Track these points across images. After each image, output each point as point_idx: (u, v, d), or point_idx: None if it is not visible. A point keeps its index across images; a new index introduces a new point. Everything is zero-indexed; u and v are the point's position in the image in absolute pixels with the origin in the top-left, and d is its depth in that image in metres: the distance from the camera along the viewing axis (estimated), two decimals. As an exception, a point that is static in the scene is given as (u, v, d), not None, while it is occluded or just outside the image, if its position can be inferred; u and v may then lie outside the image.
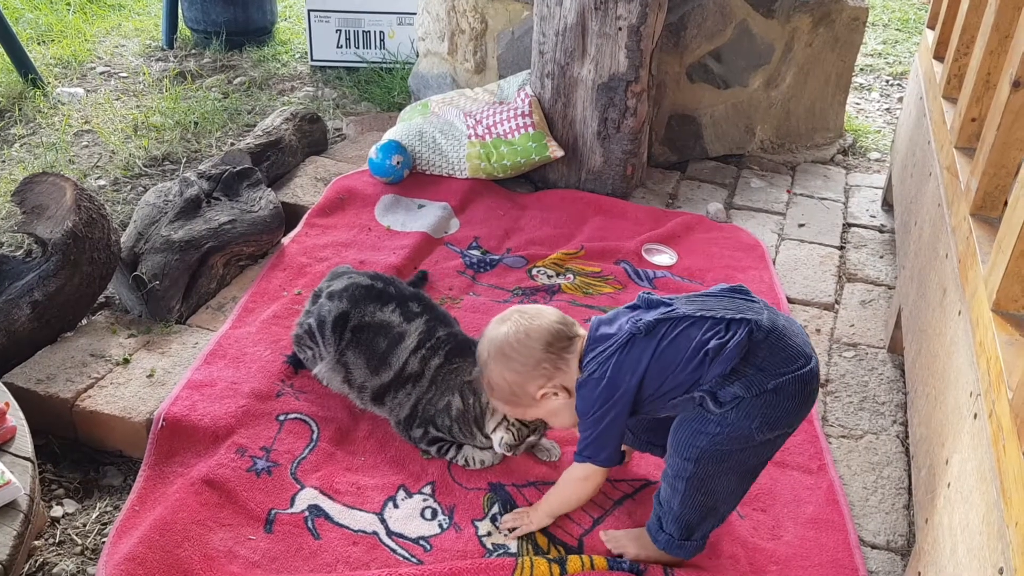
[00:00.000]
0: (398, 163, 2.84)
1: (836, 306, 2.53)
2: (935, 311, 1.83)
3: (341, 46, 3.98)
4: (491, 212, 2.81)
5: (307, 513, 1.73)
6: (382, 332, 1.93)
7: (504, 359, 1.54)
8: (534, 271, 2.55)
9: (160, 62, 4.07)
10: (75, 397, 1.90)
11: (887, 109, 4.00)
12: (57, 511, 1.76)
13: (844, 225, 2.96)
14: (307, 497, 1.76)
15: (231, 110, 3.53)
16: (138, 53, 4.16)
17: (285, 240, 2.57)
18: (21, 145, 3.22)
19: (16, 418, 1.72)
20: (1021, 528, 1.08)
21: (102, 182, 3.00)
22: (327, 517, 1.72)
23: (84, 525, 1.74)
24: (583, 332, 1.58)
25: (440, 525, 1.73)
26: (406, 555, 1.66)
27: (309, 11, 3.93)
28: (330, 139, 3.31)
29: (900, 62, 4.51)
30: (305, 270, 2.44)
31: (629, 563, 1.61)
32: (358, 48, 3.99)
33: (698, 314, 1.48)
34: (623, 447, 1.72)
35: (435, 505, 1.77)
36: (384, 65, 3.96)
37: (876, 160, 3.49)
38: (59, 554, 1.67)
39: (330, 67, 4.01)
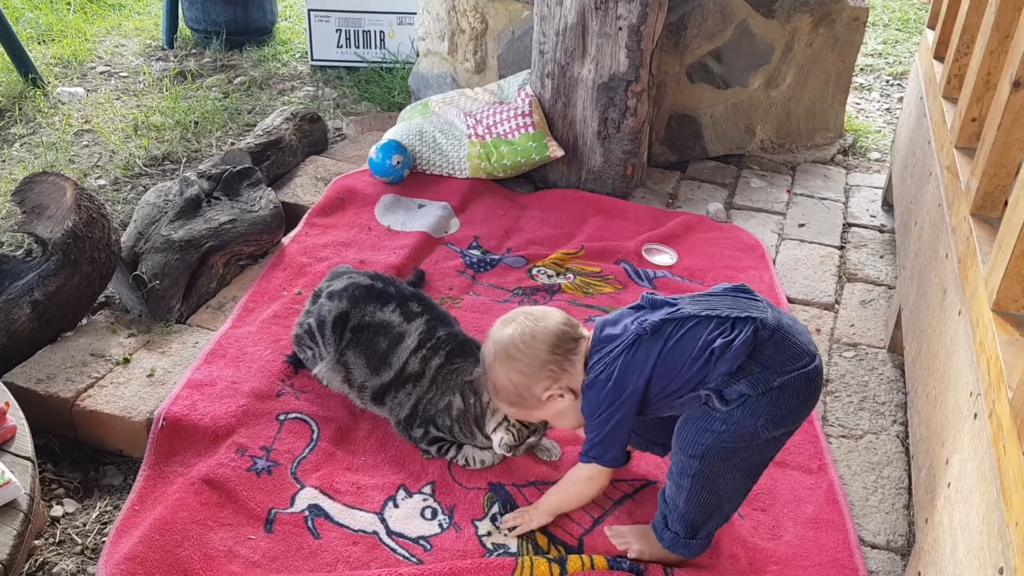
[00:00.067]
0: (398, 163, 2.84)
1: (836, 306, 2.53)
2: (935, 311, 1.83)
3: (341, 46, 3.98)
4: (491, 212, 2.81)
5: (307, 513, 1.73)
6: (382, 332, 1.93)
7: (510, 361, 1.54)
8: (534, 271, 2.55)
9: (160, 62, 4.07)
10: (75, 397, 1.90)
11: (887, 109, 4.00)
12: (57, 511, 1.76)
13: (844, 225, 2.96)
14: (307, 497, 1.76)
15: (231, 110, 3.53)
16: (138, 53, 4.16)
17: (285, 240, 2.57)
18: (21, 145, 3.22)
19: (16, 418, 1.72)
20: (1021, 528, 1.08)
21: (102, 182, 3.00)
22: (327, 517, 1.73)
23: (84, 525, 1.74)
24: (587, 333, 1.58)
25: (440, 525, 1.73)
26: (406, 555, 1.66)
27: (309, 11, 3.93)
28: (330, 139, 3.31)
29: (900, 62, 4.51)
30: (305, 270, 2.44)
31: (629, 563, 1.61)
32: (358, 48, 3.99)
33: (703, 313, 1.48)
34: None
35: (435, 505, 1.77)
36: (384, 65, 3.96)
37: (876, 160, 3.49)
38: (59, 553, 1.67)
39: (330, 67, 4.01)
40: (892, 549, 1.76)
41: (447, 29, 3.34)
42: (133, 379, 1.97)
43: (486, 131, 2.89)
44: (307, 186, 2.89)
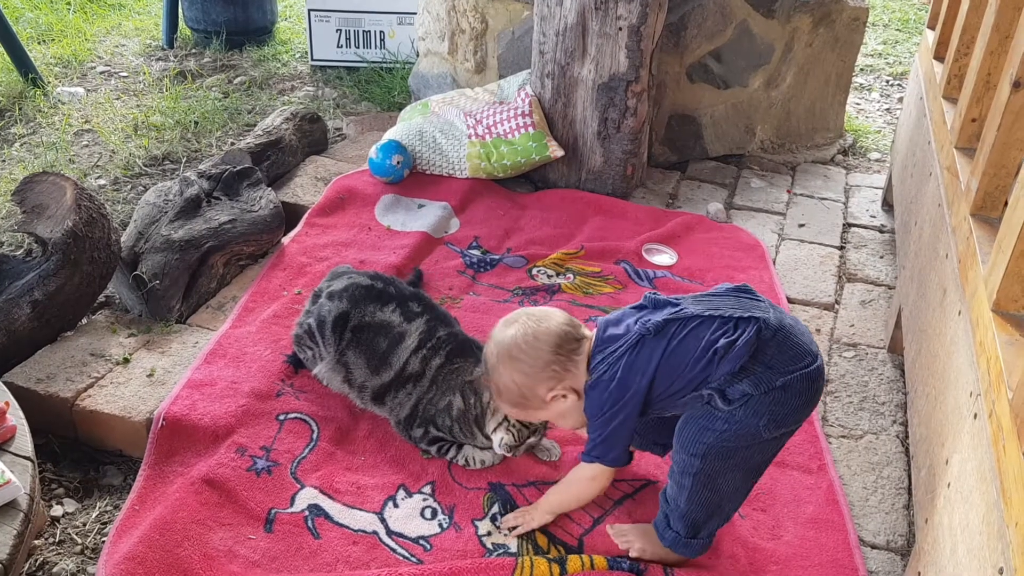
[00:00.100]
0: (398, 163, 2.84)
1: (836, 306, 2.53)
2: (935, 311, 1.83)
3: (341, 46, 3.98)
4: (491, 212, 2.81)
5: (307, 512, 1.73)
6: (382, 332, 1.93)
7: (513, 362, 1.54)
8: (534, 271, 2.55)
9: (160, 62, 4.07)
10: (75, 396, 1.90)
11: (887, 109, 4.00)
12: (57, 510, 1.76)
13: (844, 225, 2.96)
14: (307, 496, 1.76)
15: (231, 110, 3.53)
16: (138, 53, 4.16)
17: (285, 240, 2.57)
18: (21, 144, 3.22)
19: (16, 417, 1.72)
20: (1021, 528, 1.08)
21: (102, 181, 3.00)
22: (327, 516, 1.73)
23: (84, 524, 1.74)
24: (589, 333, 1.58)
25: (440, 525, 1.73)
26: (406, 555, 1.66)
27: (309, 11, 3.93)
28: (330, 139, 3.31)
29: (900, 62, 4.51)
30: (305, 270, 2.44)
31: (629, 563, 1.61)
32: (358, 48, 3.99)
33: (706, 313, 1.48)
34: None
35: (435, 505, 1.77)
36: (384, 65, 3.96)
37: (876, 160, 3.49)
38: (59, 553, 1.67)
39: (330, 67, 4.01)
40: (892, 549, 1.76)
41: (447, 29, 3.34)
42: (133, 379, 1.97)
43: (486, 131, 2.89)
44: (307, 186, 2.89)
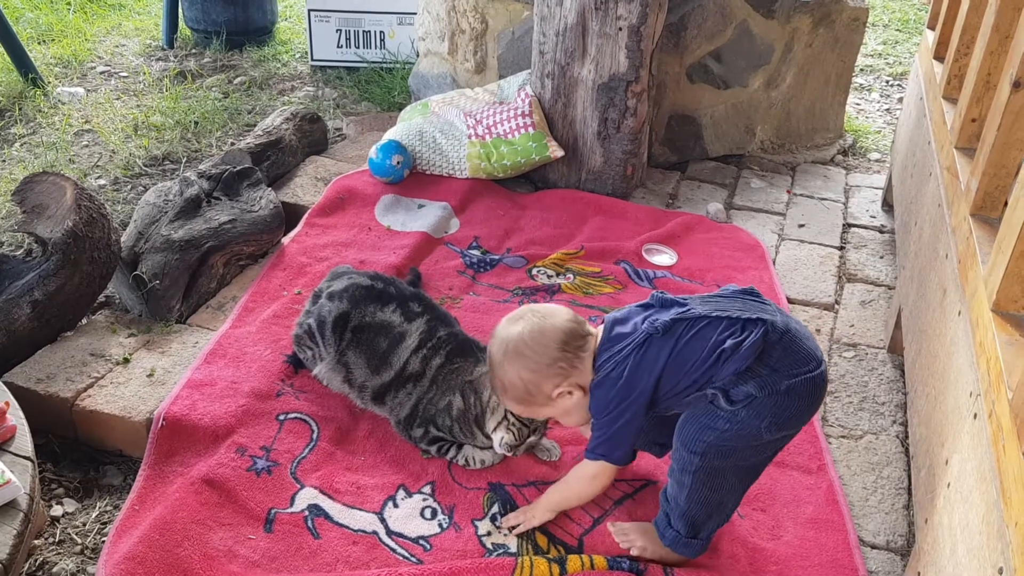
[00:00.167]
0: (398, 163, 2.84)
1: (836, 306, 2.53)
2: (935, 311, 1.83)
3: (341, 46, 3.98)
4: (491, 212, 2.81)
5: (307, 512, 1.73)
6: (383, 332, 1.93)
7: (520, 359, 1.53)
8: (534, 271, 2.55)
9: (160, 62, 4.07)
10: (75, 396, 1.90)
11: (887, 109, 4.00)
12: (57, 510, 1.76)
13: (844, 225, 2.96)
14: (307, 496, 1.76)
15: (231, 110, 3.53)
16: (138, 53, 4.16)
17: (285, 240, 2.57)
18: (21, 144, 3.22)
19: (16, 417, 1.72)
20: (1021, 528, 1.08)
21: (102, 181, 3.00)
22: (327, 516, 1.72)
23: (84, 524, 1.74)
24: (594, 331, 1.58)
25: (440, 525, 1.73)
26: (406, 555, 1.66)
27: (309, 11, 3.93)
28: (330, 139, 3.31)
29: (900, 62, 4.51)
30: (305, 270, 2.44)
31: (629, 563, 1.61)
32: (358, 48, 3.99)
33: (714, 314, 1.49)
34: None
35: (435, 505, 1.77)
36: (384, 65, 3.96)
37: (876, 160, 3.49)
38: (59, 553, 1.67)
39: (330, 67, 4.01)
40: (892, 549, 1.76)
41: (447, 29, 3.35)
42: (133, 379, 1.97)
43: (486, 131, 2.89)
44: (307, 186, 2.89)
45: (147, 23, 4.54)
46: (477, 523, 1.73)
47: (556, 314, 1.56)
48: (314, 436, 1.90)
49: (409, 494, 1.80)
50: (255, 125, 3.21)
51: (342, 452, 1.89)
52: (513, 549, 1.67)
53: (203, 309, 2.28)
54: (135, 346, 2.09)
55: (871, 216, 3.03)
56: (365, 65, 3.97)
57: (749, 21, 3.14)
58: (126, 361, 2.03)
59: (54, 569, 1.63)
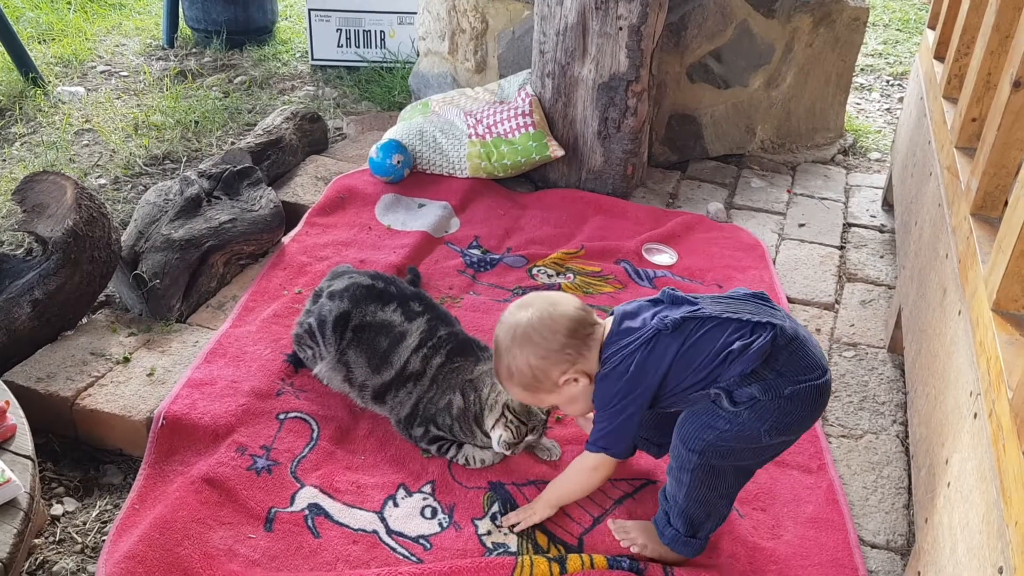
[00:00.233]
0: (398, 162, 2.84)
1: (836, 306, 2.53)
2: (935, 311, 1.83)
3: (342, 45, 3.98)
4: (491, 211, 2.81)
5: (307, 512, 1.73)
6: (383, 331, 1.93)
7: (530, 344, 1.53)
8: (534, 270, 2.55)
9: (161, 61, 4.07)
10: (75, 395, 1.90)
11: (887, 109, 4.00)
12: (57, 509, 1.76)
13: (844, 225, 2.96)
14: (307, 496, 1.76)
15: (231, 109, 3.53)
16: (139, 52, 4.16)
17: (285, 239, 2.57)
18: (22, 144, 3.22)
19: (16, 416, 1.72)
20: (1021, 527, 1.08)
21: (103, 181, 3.00)
22: (327, 516, 1.73)
23: (84, 523, 1.74)
24: (601, 321, 1.58)
25: (440, 524, 1.73)
26: (406, 554, 1.66)
27: (310, 10, 3.93)
28: (330, 138, 3.31)
29: (900, 62, 4.51)
30: (305, 269, 2.44)
31: (629, 562, 1.61)
32: (359, 47, 3.99)
33: (724, 315, 1.49)
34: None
35: (435, 504, 1.77)
36: (385, 64, 3.96)
37: (876, 160, 3.49)
38: (59, 552, 1.67)
39: (331, 66, 4.02)
40: (892, 549, 1.76)
41: (447, 29, 3.35)
42: (133, 378, 1.97)
43: (486, 131, 2.89)
44: (307, 185, 2.89)
45: (147, 22, 4.54)
46: (477, 522, 1.73)
47: (565, 302, 1.56)
48: (314, 435, 1.90)
49: (409, 493, 1.80)
50: (255, 124, 3.21)
51: (342, 451, 1.89)
52: (513, 548, 1.68)
53: (203, 308, 2.28)
54: (135, 345, 2.09)
55: (871, 216, 3.03)
56: (365, 64, 3.97)
57: (749, 21, 3.14)
58: (126, 360, 2.03)
59: (54, 568, 1.63)
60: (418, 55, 3.61)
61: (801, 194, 3.15)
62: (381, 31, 3.96)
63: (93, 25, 4.42)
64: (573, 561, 1.59)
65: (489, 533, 1.71)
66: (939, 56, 2.60)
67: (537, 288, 2.46)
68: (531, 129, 2.85)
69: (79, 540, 1.70)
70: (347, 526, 1.71)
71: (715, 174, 3.25)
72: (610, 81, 2.83)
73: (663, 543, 1.63)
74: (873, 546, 1.76)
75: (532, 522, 1.71)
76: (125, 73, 3.92)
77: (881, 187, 3.18)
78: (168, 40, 4.22)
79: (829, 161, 3.42)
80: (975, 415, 1.38)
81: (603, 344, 1.54)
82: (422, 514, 1.75)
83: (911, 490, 1.87)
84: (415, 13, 3.67)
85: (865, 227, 2.96)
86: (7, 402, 1.72)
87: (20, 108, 3.45)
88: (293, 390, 2.01)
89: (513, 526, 1.71)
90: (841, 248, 2.82)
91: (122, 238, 2.31)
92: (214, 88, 3.74)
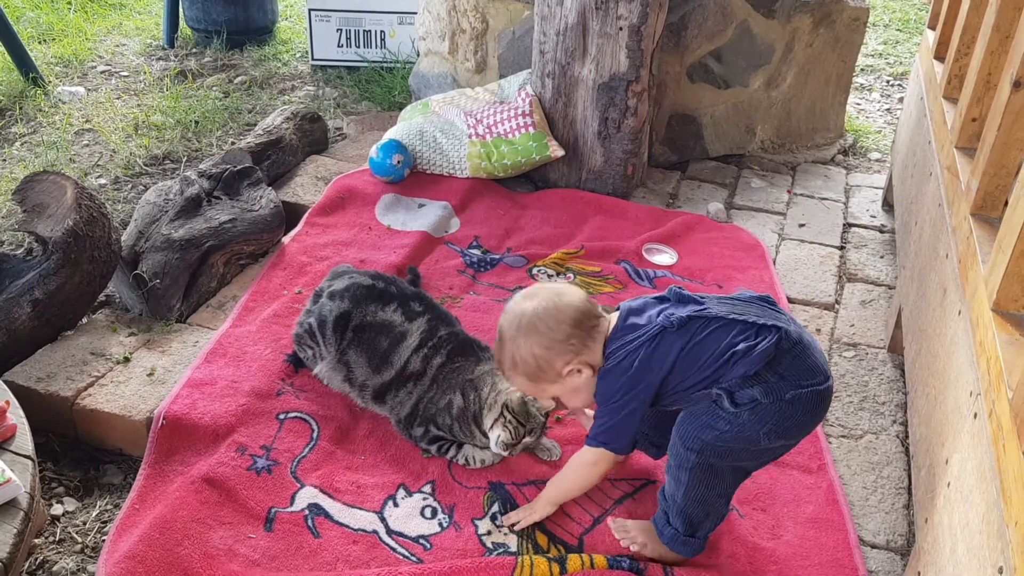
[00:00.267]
0: (399, 162, 2.84)
1: (836, 306, 2.53)
2: (935, 311, 1.83)
3: (342, 45, 3.98)
4: (491, 211, 2.81)
5: (307, 512, 1.73)
6: (384, 331, 1.93)
7: (534, 333, 1.53)
8: (534, 270, 2.55)
9: (161, 61, 4.07)
10: (75, 395, 1.90)
11: (888, 109, 4.00)
12: (57, 509, 1.76)
13: (844, 225, 2.96)
14: (307, 496, 1.76)
15: (232, 109, 3.53)
16: (139, 52, 4.16)
17: (285, 239, 2.57)
18: (22, 144, 3.22)
19: (16, 416, 1.72)
20: (1021, 527, 1.08)
21: (103, 181, 3.00)
22: (327, 516, 1.73)
23: (84, 523, 1.74)
24: (606, 315, 1.58)
25: (440, 524, 1.73)
26: (406, 554, 1.66)
27: (310, 10, 3.93)
28: (331, 138, 3.31)
29: (901, 62, 4.51)
30: (305, 269, 2.44)
31: (629, 562, 1.61)
32: (359, 47, 3.99)
33: (730, 316, 1.50)
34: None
35: (435, 504, 1.77)
36: (385, 64, 3.96)
37: (876, 160, 3.49)
38: (59, 552, 1.67)
39: (331, 66, 4.02)
40: (892, 549, 1.76)
41: (447, 29, 3.35)
42: (133, 378, 1.97)
43: (486, 131, 2.89)
44: (307, 185, 2.89)
45: (148, 22, 4.54)
46: (477, 522, 1.73)
47: (570, 292, 1.57)
48: (314, 435, 1.90)
49: (409, 493, 1.80)
50: (255, 124, 3.21)
51: (342, 451, 1.89)
52: (513, 548, 1.67)
53: (203, 308, 2.28)
54: (135, 345, 2.09)
55: (871, 216, 3.03)
56: (365, 65, 3.97)
57: (750, 21, 3.14)
58: (126, 360, 2.03)
59: (54, 568, 1.63)
60: (418, 55, 3.61)
61: (801, 194, 3.15)
62: (381, 31, 3.96)
63: (93, 25, 4.42)
64: (573, 561, 1.59)
65: (489, 533, 1.71)
66: (939, 56, 2.60)
67: (537, 288, 2.46)
68: (531, 129, 2.85)
69: (79, 540, 1.70)
70: (347, 526, 1.71)
71: (715, 174, 3.25)
72: (610, 81, 2.83)
73: (662, 542, 1.63)
74: (873, 546, 1.76)
75: (532, 520, 1.71)
76: (125, 73, 3.92)
77: (881, 187, 3.18)
78: (168, 40, 4.22)
79: (829, 161, 3.42)
80: (975, 415, 1.38)
81: (607, 339, 1.54)
82: (422, 514, 1.75)
83: (911, 490, 1.87)
84: (415, 13, 3.67)
85: (865, 227, 2.96)
86: (7, 402, 1.72)
87: (20, 108, 3.45)
88: (293, 390, 2.01)
89: (513, 525, 1.71)
90: (841, 248, 2.82)
91: (122, 238, 2.31)
92: (214, 88, 3.74)
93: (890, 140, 3.60)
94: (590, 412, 1.80)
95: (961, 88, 2.12)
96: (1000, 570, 1.12)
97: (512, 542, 1.69)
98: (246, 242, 2.41)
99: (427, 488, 1.81)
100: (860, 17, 3.30)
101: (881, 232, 2.93)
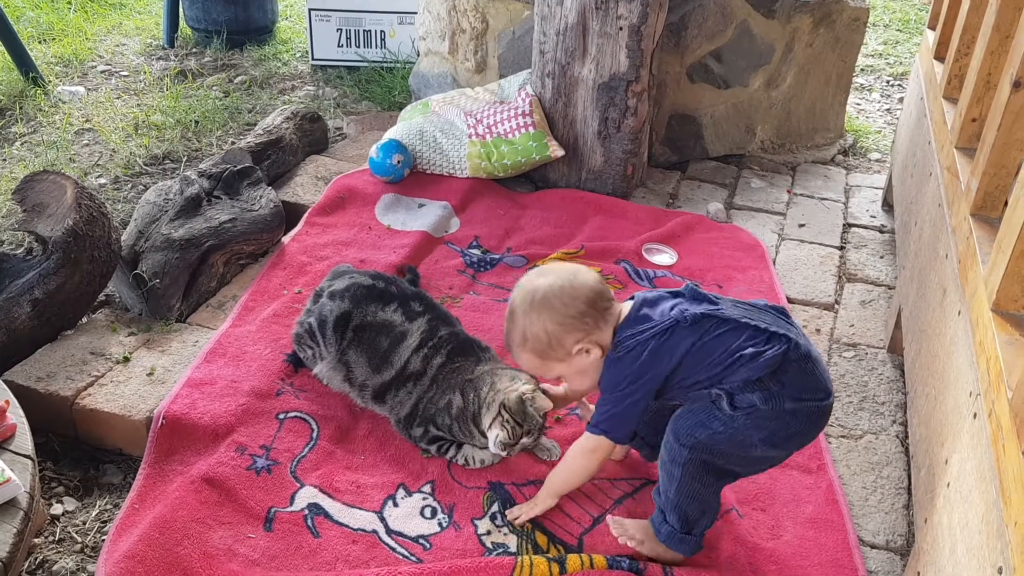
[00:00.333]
0: (399, 162, 2.84)
1: (836, 306, 2.53)
2: (935, 311, 1.83)
3: (342, 45, 3.98)
4: (491, 211, 2.81)
5: (307, 511, 1.73)
6: (384, 331, 1.93)
7: (548, 309, 1.52)
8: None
9: (161, 61, 4.07)
10: (75, 395, 1.90)
11: (888, 109, 4.00)
12: (57, 509, 1.76)
13: (844, 225, 2.96)
14: (307, 495, 1.76)
15: (232, 109, 3.53)
16: (139, 52, 4.16)
17: (285, 239, 2.57)
18: (22, 143, 3.22)
19: (16, 416, 1.72)
20: (1020, 527, 1.08)
21: (103, 180, 3.00)
22: (327, 515, 1.73)
23: (84, 523, 1.74)
24: (618, 302, 1.58)
25: (440, 524, 1.73)
26: (406, 554, 1.66)
27: (310, 10, 3.93)
28: (331, 138, 3.31)
29: (901, 62, 4.51)
30: (305, 269, 2.44)
31: (628, 562, 1.61)
32: (359, 47, 3.99)
33: (742, 320, 1.50)
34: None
35: (435, 504, 1.77)
36: (385, 64, 3.96)
37: (876, 160, 3.49)
38: (59, 552, 1.67)
39: (331, 66, 4.02)
40: (891, 549, 1.76)
41: (448, 29, 3.35)
42: (133, 378, 1.97)
43: (486, 131, 2.89)
44: (307, 185, 2.89)
45: (148, 22, 4.54)
46: (477, 522, 1.73)
47: (585, 272, 1.57)
48: (314, 435, 1.90)
49: (409, 493, 1.80)
50: (255, 124, 3.21)
51: (342, 451, 1.89)
52: (513, 548, 1.68)
53: (203, 308, 2.28)
54: (135, 345, 2.09)
55: (871, 216, 3.03)
56: (366, 64, 3.97)
57: (750, 21, 3.14)
58: (126, 360, 2.03)
59: (54, 567, 1.63)
60: (418, 55, 3.61)
61: (801, 194, 3.15)
62: (381, 31, 3.96)
63: (93, 25, 4.42)
64: (573, 561, 1.59)
65: (489, 533, 1.71)
66: (939, 56, 2.60)
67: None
68: (531, 129, 2.85)
69: (79, 540, 1.70)
70: (347, 526, 1.71)
71: (715, 174, 3.25)
72: (610, 81, 2.83)
73: (659, 540, 1.63)
74: (873, 546, 1.76)
75: (534, 513, 1.71)
76: (125, 73, 3.92)
77: (881, 187, 3.18)
78: (168, 40, 4.22)
79: (829, 161, 3.42)
80: (975, 415, 1.38)
81: (618, 326, 1.54)
82: (422, 514, 1.75)
83: (911, 490, 1.87)
84: (415, 13, 3.67)
85: (865, 227, 2.96)
86: (7, 402, 1.72)
87: (20, 108, 3.45)
88: (293, 390, 2.01)
89: (515, 519, 1.72)
90: (841, 248, 2.82)
91: (122, 238, 2.31)
92: (214, 88, 3.74)
93: (890, 140, 3.60)
94: (591, 406, 1.80)
95: (961, 88, 2.12)
96: (999, 570, 1.12)
97: (512, 542, 1.69)
98: (246, 242, 2.41)
99: (427, 488, 1.81)
100: (860, 17, 3.30)
101: (881, 232, 2.93)
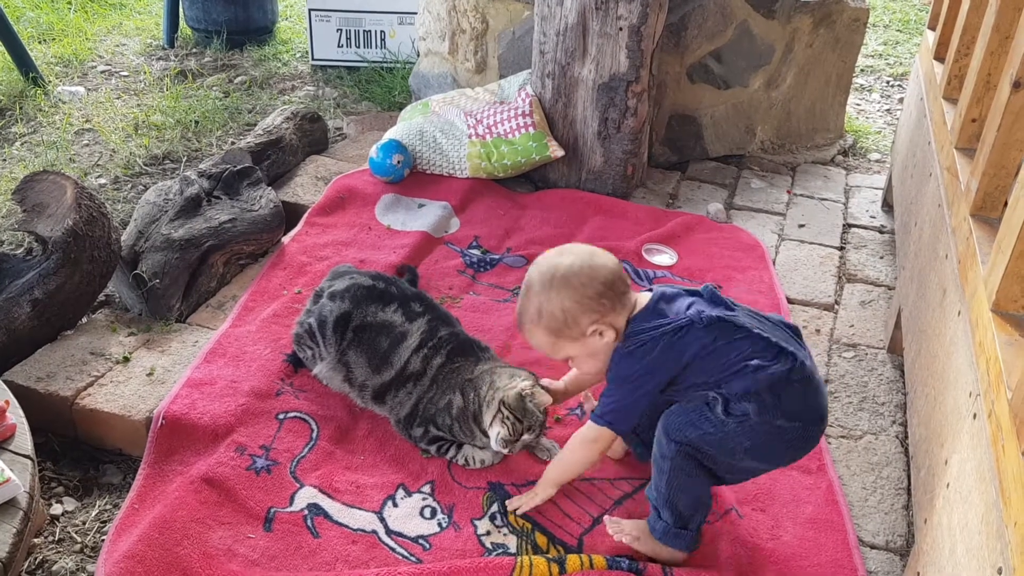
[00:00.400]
0: (399, 162, 2.84)
1: (836, 306, 2.53)
2: (935, 311, 1.83)
3: (342, 45, 3.98)
4: (491, 211, 2.81)
5: (306, 512, 1.73)
6: (384, 332, 1.93)
7: (567, 287, 1.52)
8: (534, 271, 2.54)
9: (161, 61, 4.07)
10: (75, 395, 1.90)
11: (887, 110, 4.00)
12: (57, 509, 1.76)
13: (844, 226, 2.96)
14: (306, 496, 1.76)
15: (232, 109, 3.53)
16: (139, 52, 4.16)
17: (285, 239, 2.57)
18: (22, 143, 3.22)
19: (16, 416, 1.72)
20: (1020, 528, 1.08)
21: (103, 180, 3.00)
22: (326, 516, 1.73)
23: (83, 523, 1.74)
24: (634, 292, 1.59)
25: (439, 524, 1.73)
26: (405, 554, 1.66)
27: (310, 10, 3.93)
28: (331, 138, 3.31)
29: (901, 63, 4.51)
30: (305, 269, 2.44)
31: (628, 562, 1.61)
32: (359, 47, 3.99)
33: (755, 330, 1.51)
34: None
35: (434, 504, 1.77)
36: (385, 64, 3.96)
37: (876, 161, 3.49)
38: (58, 552, 1.67)
39: (331, 66, 4.02)
40: (891, 549, 1.76)
41: (448, 29, 3.35)
42: (133, 378, 1.97)
43: (486, 131, 2.89)
44: (307, 185, 2.89)
45: (148, 22, 4.54)
46: (476, 522, 1.73)
47: (604, 255, 1.57)
48: (314, 435, 1.90)
49: (409, 493, 1.80)
50: (255, 124, 3.21)
51: (342, 451, 1.89)
52: (512, 549, 1.68)
53: (203, 308, 2.28)
54: (135, 345, 2.09)
55: (871, 216, 3.03)
56: (366, 65, 3.97)
57: (749, 21, 3.14)
58: (126, 360, 2.03)
59: (53, 567, 1.63)
60: (418, 55, 3.61)
61: (801, 195, 3.15)
62: (381, 31, 3.96)
63: (93, 25, 4.42)
64: (572, 561, 1.59)
65: (488, 533, 1.71)
66: (939, 57, 2.60)
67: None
68: (531, 129, 2.85)
69: (78, 540, 1.70)
70: (346, 526, 1.71)
71: (715, 174, 3.25)
72: (610, 81, 2.83)
73: (655, 538, 1.63)
74: (872, 547, 1.76)
75: (534, 503, 1.72)
76: (125, 73, 3.92)
77: (881, 188, 3.18)
78: (168, 40, 4.22)
79: (829, 162, 3.42)
80: (974, 416, 1.38)
81: (634, 316, 1.55)
82: (421, 514, 1.75)
83: (910, 491, 1.87)
84: (415, 13, 3.67)
85: (865, 228, 2.96)
86: (7, 402, 1.72)
87: (20, 108, 3.45)
88: (293, 390, 2.01)
89: (515, 510, 1.72)
90: (841, 249, 2.82)
91: (122, 238, 2.31)
92: (214, 88, 3.74)
93: (890, 141, 3.60)
94: (594, 401, 1.81)
95: (961, 88, 2.12)
96: (999, 571, 1.12)
97: (511, 542, 1.69)
98: (246, 242, 2.41)
99: (426, 488, 1.81)
100: (860, 18, 3.30)
101: (881, 233, 2.93)
